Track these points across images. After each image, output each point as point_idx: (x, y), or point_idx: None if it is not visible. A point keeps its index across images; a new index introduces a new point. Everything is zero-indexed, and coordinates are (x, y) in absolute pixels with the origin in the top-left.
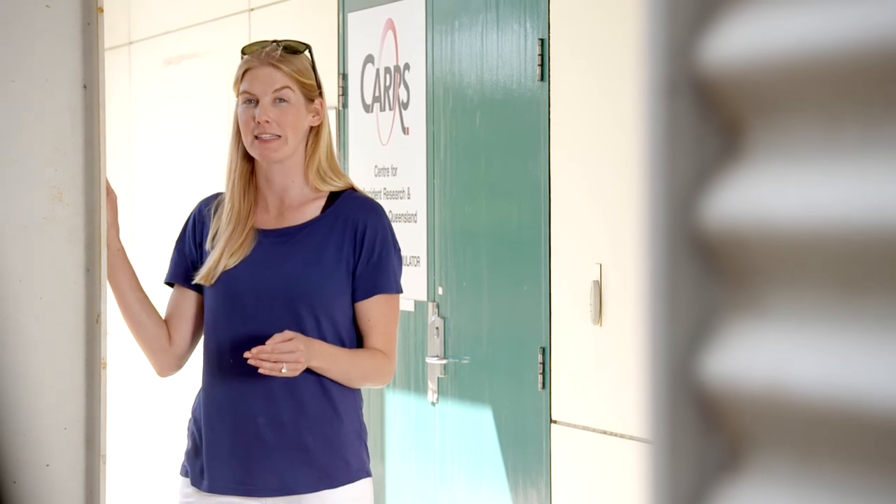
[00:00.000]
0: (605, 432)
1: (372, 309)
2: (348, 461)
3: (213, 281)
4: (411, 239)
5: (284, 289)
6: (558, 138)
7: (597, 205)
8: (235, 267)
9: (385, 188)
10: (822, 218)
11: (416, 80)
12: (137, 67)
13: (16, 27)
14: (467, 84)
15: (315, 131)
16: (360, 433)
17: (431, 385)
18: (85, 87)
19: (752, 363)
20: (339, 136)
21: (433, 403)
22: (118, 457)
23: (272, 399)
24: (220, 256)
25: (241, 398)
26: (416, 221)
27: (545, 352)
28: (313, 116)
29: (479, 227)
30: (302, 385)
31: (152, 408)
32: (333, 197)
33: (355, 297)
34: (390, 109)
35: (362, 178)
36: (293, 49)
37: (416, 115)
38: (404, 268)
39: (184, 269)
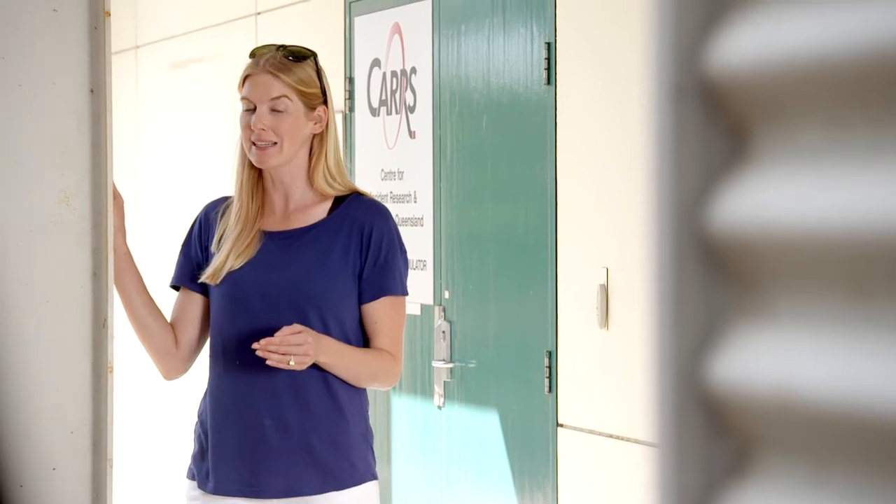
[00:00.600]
0: (611, 436)
1: (378, 311)
2: (354, 463)
3: (218, 280)
4: (418, 242)
5: (290, 290)
6: (565, 142)
7: (603, 209)
8: (241, 268)
9: (391, 192)
10: (829, 222)
11: (423, 83)
12: (144, 71)
13: (23, 31)
14: (474, 88)
15: (319, 137)
16: (367, 435)
17: (438, 389)
18: (92, 90)
19: (760, 367)
20: (345, 139)
21: (439, 407)
22: (125, 460)
23: (278, 400)
24: (226, 257)
25: (246, 400)
26: (422, 225)
27: (552, 355)
28: (314, 124)
29: (485, 231)
30: (308, 386)
31: (159, 412)
32: (339, 200)
33: (362, 300)
34: (397, 113)
35: (369, 181)
36: (297, 55)
37: (423, 118)
38: (411, 271)
39: (190, 272)
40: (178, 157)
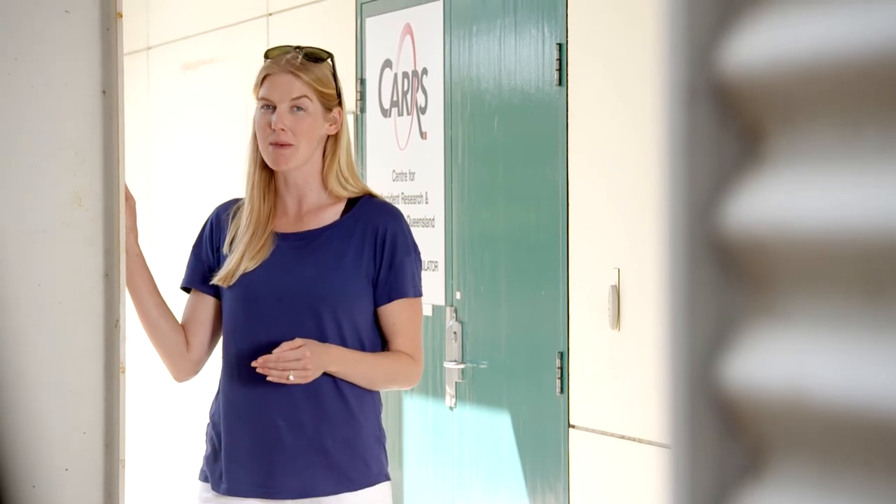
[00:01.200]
0: (623, 437)
1: (395, 313)
2: (368, 464)
3: (231, 283)
4: (429, 243)
5: (304, 292)
6: (576, 143)
7: (615, 209)
8: (255, 270)
9: (403, 193)
10: (842, 223)
11: (434, 84)
12: (156, 72)
13: (35, 32)
14: (485, 89)
15: (333, 139)
16: (380, 436)
17: (449, 390)
18: (104, 92)
19: (773, 368)
20: (356, 140)
21: (451, 408)
22: (137, 461)
23: (292, 402)
24: (240, 259)
25: (260, 401)
26: (433, 226)
27: (563, 356)
28: (330, 125)
29: (496, 232)
30: (322, 388)
31: (171, 412)
32: (351, 202)
33: (377, 302)
34: (408, 114)
35: (380, 182)
36: (315, 57)
37: (434, 119)
38: (422, 272)
39: (201, 273)
40: (189, 158)
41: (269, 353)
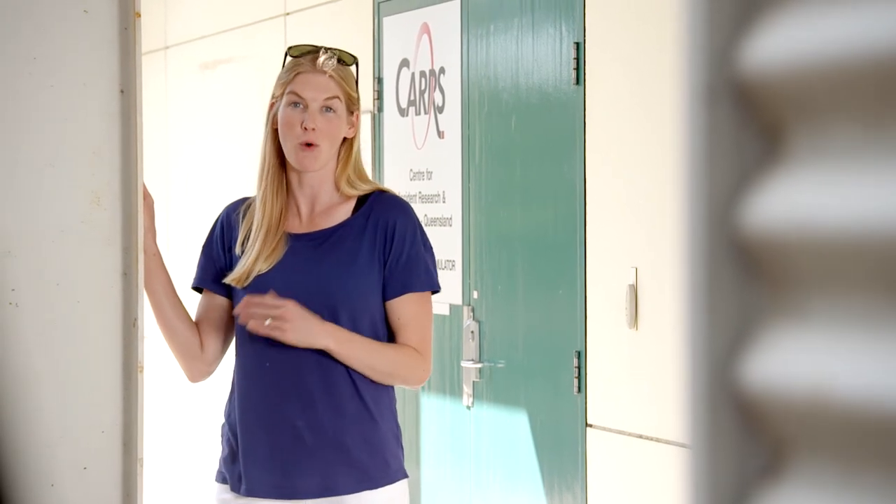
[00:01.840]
0: (640, 436)
1: (402, 308)
2: (388, 461)
3: (246, 284)
4: (446, 243)
5: (320, 291)
6: (594, 142)
7: (632, 209)
8: (269, 271)
9: (420, 192)
10: (863, 222)
11: (452, 84)
12: (173, 72)
13: (54, 32)
14: (502, 88)
15: (349, 142)
16: (397, 434)
17: (467, 389)
18: (122, 91)
19: (793, 368)
20: (374, 140)
21: (468, 407)
22: (155, 460)
23: (310, 401)
24: (255, 259)
25: (278, 401)
26: (451, 225)
27: (581, 356)
28: (350, 128)
29: (514, 231)
30: (338, 386)
31: (189, 411)
32: (362, 199)
33: (385, 296)
34: (425, 113)
35: (397, 181)
36: (346, 60)
37: (452, 118)
38: (439, 271)
39: (212, 274)
40: (207, 158)
41: (286, 353)
